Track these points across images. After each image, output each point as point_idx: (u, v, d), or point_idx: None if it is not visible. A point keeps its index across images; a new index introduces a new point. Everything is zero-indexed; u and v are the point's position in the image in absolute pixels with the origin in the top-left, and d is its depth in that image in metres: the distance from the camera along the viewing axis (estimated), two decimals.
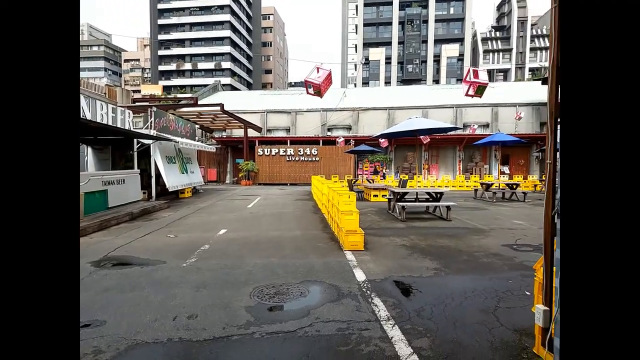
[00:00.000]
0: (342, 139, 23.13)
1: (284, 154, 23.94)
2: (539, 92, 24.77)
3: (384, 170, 18.78)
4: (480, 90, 6.77)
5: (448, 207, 8.52)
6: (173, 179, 13.32)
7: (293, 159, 23.92)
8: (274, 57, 76.19)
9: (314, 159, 23.82)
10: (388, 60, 57.22)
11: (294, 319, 3.26)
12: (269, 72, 75.85)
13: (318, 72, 7.09)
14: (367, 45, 57.08)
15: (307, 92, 7.37)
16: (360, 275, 4.51)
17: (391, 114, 26.01)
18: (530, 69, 54.54)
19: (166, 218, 9.34)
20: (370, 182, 17.38)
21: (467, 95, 6.94)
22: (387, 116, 26.01)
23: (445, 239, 6.60)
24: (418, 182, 18.56)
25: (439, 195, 9.13)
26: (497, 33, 62.51)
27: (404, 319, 3.26)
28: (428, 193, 9.37)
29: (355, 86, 56.15)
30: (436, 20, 57.17)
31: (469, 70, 6.93)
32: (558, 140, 2.17)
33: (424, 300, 3.69)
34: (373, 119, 26.05)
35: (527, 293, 3.87)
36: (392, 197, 9.70)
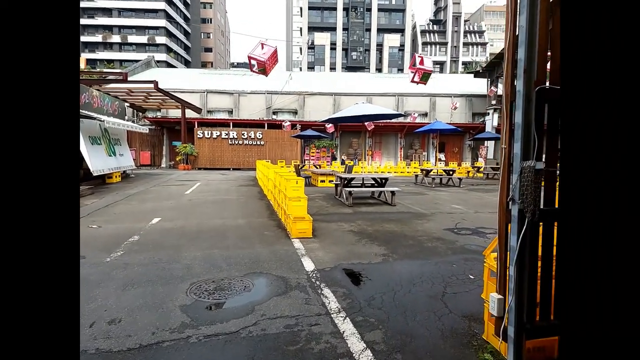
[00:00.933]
0: (289, 123, 22.64)
1: (227, 137, 22.80)
2: (472, 85, 26.52)
3: (342, 157, 18.77)
4: (425, 77, 6.85)
5: (392, 193, 8.68)
6: (98, 161, 11.87)
7: (236, 142, 22.91)
8: (214, 35, 71.82)
9: (258, 142, 23.05)
10: (333, 46, 57.17)
11: (236, 317, 2.94)
12: (209, 50, 71.43)
13: (263, 48, 6.57)
14: (312, 29, 56.37)
15: (252, 70, 6.83)
16: (309, 265, 4.31)
17: (337, 100, 26.05)
18: (463, 63, 58.29)
19: (89, 206, 8.25)
20: (317, 168, 17.28)
21: (412, 81, 7.00)
22: (332, 102, 26.00)
23: (391, 224, 6.67)
24: (362, 168, 18.92)
25: (384, 180, 9.27)
26: (435, 26, 65.53)
27: (355, 310, 3.12)
28: (373, 179, 9.46)
29: (301, 70, 55.38)
30: (379, 10, 58.23)
31: (414, 56, 6.95)
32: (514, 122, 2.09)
33: (374, 289, 3.60)
34: (319, 104, 25.87)
35: (471, 277, 3.98)
36: (339, 182, 9.64)
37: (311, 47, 54.83)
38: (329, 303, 3.25)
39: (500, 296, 2.12)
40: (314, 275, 3.97)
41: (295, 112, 26.08)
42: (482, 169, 18.21)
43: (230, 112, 25.87)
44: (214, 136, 22.73)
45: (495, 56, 21.61)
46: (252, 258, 4.55)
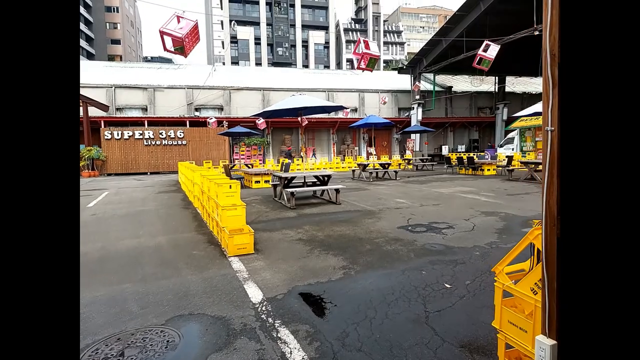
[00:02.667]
0: (215, 119, 20.81)
1: (141, 137, 20.14)
2: (397, 81, 27.49)
3: (301, 154, 17.42)
4: (371, 62, 6.30)
5: (337, 190, 8.07)
6: None
7: (153, 143, 20.38)
8: (122, 25, 64.38)
9: (180, 142, 20.82)
10: (257, 41, 55.42)
11: None
12: (116, 42, 63.82)
13: (179, 22, 5.29)
14: (234, 23, 53.84)
15: (165, 49, 5.50)
16: (255, 293, 3.37)
17: (266, 95, 24.86)
18: (385, 61, 61.05)
19: None
20: (249, 167, 16.03)
21: (359, 68, 6.41)
22: (261, 97, 24.74)
23: (341, 226, 6.01)
24: (298, 165, 18.17)
25: (326, 178, 8.61)
26: (357, 25, 67.56)
27: (329, 358, 2.32)
28: (315, 176, 8.75)
29: (224, 64, 52.55)
30: (302, 6, 58.04)
31: (359, 40, 6.37)
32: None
33: (344, 318, 2.83)
34: (247, 100, 24.40)
35: (447, 285, 3.45)
36: (278, 183, 8.72)
37: (234, 40, 52.32)
38: (291, 353, 2.39)
39: (552, 341, 1.49)
40: (263, 308, 3.06)
41: (221, 109, 24.23)
42: (412, 161, 18.80)
43: (145, 109, 23.00)
44: (126, 137, 19.91)
45: (417, 53, 22.54)
46: (178, 292, 3.45)
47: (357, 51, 6.27)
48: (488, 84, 26.01)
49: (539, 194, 8.60)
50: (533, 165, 11.25)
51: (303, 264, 4.18)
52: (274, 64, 53.61)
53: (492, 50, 9.72)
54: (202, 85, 23.87)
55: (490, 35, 16.34)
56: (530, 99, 26.98)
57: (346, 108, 8.41)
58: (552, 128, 1.48)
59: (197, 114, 23.62)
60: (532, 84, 28.84)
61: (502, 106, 23.29)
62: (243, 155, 22.86)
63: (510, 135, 20.78)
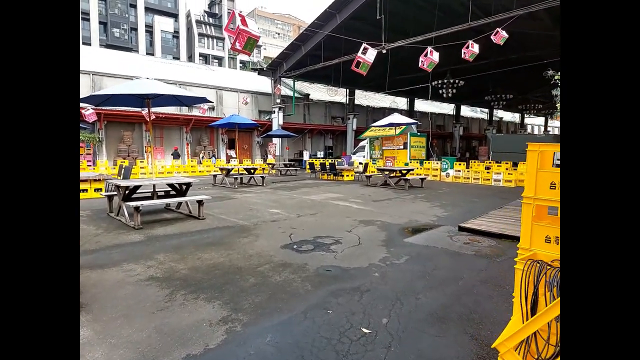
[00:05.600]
0: None
1: None
2: (257, 82, 26.73)
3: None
4: (250, 43, 5.13)
5: (200, 202, 6.56)
6: None
7: None
8: None
9: None
10: (85, 16, 45.51)
11: None
12: None
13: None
14: None
15: (233, 48, 3.11)
16: None
17: (97, 81, 20.05)
18: (242, 61, 59.63)
19: None
20: None
21: (233, 48, 5.13)
22: (90, 82, 19.80)
23: (211, 251, 4.69)
24: (142, 169, 15.11)
25: (185, 186, 6.96)
26: (210, 19, 63.78)
27: None
28: (170, 185, 6.96)
29: None
30: None
31: (233, 13, 5.09)
32: None
33: None
34: None
35: (365, 330, 2.75)
36: (115, 193, 6.54)
37: None
38: None
39: None
40: None
41: None
42: (276, 166, 18.34)
43: None
44: None
45: (277, 57, 22.36)
46: None
47: (229, 27, 5.01)
48: (340, 95, 28.24)
49: (397, 199, 9.21)
50: (388, 172, 12.31)
51: (160, 324, 2.79)
52: (108, 46, 45.00)
53: (370, 55, 10.05)
54: None
55: (345, 49, 17.51)
56: (373, 112, 30.74)
57: (210, 101, 6.99)
58: None
59: None
60: (374, 99, 32.98)
61: (352, 116, 25.56)
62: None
63: (361, 144, 22.93)
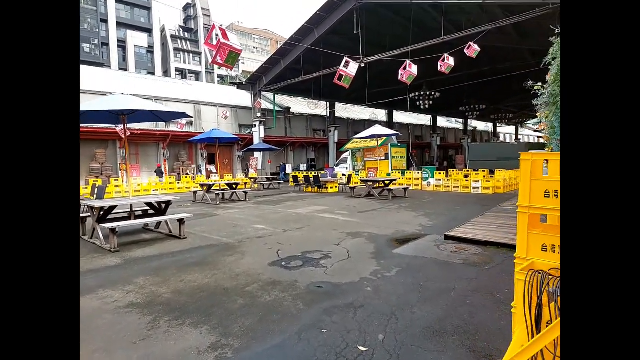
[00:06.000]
0: None
1: None
2: (236, 96, 26.58)
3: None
4: (231, 57, 5.01)
5: (181, 221, 6.31)
6: None
7: None
8: None
9: None
10: None
11: None
12: None
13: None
14: None
15: (214, 62, 2.60)
16: None
17: None
18: (219, 76, 59.37)
19: None
20: None
21: (214, 62, 5.00)
22: None
23: (194, 272, 4.48)
24: (117, 187, 14.55)
25: (164, 205, 6.69)
26: (186, 34, 63.40)
27: None
28: (149, 204, 6.68)
29: None
30: (117, 1, 50.36)
31: (213, 26, 4.98)
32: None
33: None
34: None
35: (362, 349, 2.65)
36: (88, 214, 6.20)
37: None
38: None
39: None
40: None
41: None
42: (258, 180, 18.09)
43: None
44: None
45: (257, 71, 22.37)
46: None
47: (210, 42, 4.90)
48: (321, 109, 28.44)
49: (382, 209, 9.22)
50: (371, 183, 12.36)
51: (143, 355, 2.59)
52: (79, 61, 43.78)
53: (352, 68, 10.15)
54: None
55: (325, 63, 17.72)
56: (354, 124, 31.09)
57: (190, 116, 6.82)
58: None
59: None
60: (354, 111, 33.42)
61: (333, 129, 25.73)
62: None
63: (343, 155, 23.04)
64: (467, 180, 14.57)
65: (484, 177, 14.44)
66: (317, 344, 2.72)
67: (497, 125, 43.41)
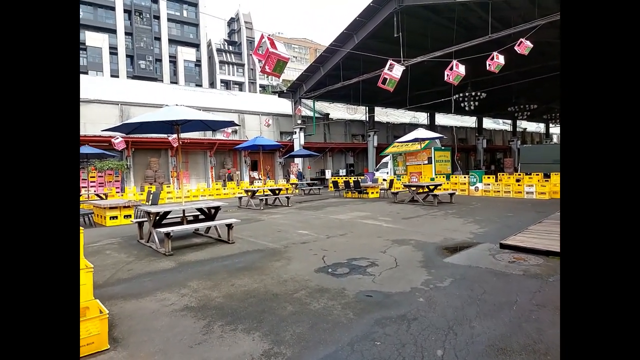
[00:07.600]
0: None
1: None
2: (278, 105, 27.25)
3: (173, 179, 13.51)
4: (279, 66, 5.14)
5: (229, 226, 6.50)
6: None
7: None
8: None
9: None
10: (114, 51, 48.29)
11: None
12: None
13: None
14: (84, 27, 45.87)
15: (263, 71, 3.34)
16: None
17: (125, 110, 20.96)
18: (261, 85, 61.34)
19: None
20: (101, 198, 12.57)
21: (263, 71, 5.17)
22: (119, 112, 20.71)
23: (243, 277, 4.56)
24: (169, 193, 15.42)
25: (214, 210, 6.95)
26: (230, 47, 66.36)
27: None
28: (199, 209, 6.97)
29: None
30: (169, 20, 53.96)
31: (262, 36, 5.15)
32: None
33: None
34: (99, 115, 20.00)
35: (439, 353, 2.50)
36: (145, 219, 6.59)
37: (82, 45, 44.12)
38: None
39: None
40: None
41: None
42: (299, 186, 18.30)
43: None
44: None
45: (297, 79, 22.77)
46: None
47: (259, 52, 5.05)
48: (360, 113, 28.29)
49: (427, 216, 8.87)
50: (415, 188, 11.99)
51: None
52: (135, 77, 47.39)
53: (397, 71, 10.00)
54: None
55: (364, 68, 17.61)
56: (394, 128, 30.55)
57: (237, 125, 7.06)
58: None
59: None
60: (393, 115, 32.86)
61: (372, 133, 25.45)
62: (93, 182, 18.32)
63: (384, 160, 22.66)
64: (519, 185, 13.66)
65: (539, 181, 13.44)
66: (370, 356, 2.62)
67: (550, 125, 40.47)
